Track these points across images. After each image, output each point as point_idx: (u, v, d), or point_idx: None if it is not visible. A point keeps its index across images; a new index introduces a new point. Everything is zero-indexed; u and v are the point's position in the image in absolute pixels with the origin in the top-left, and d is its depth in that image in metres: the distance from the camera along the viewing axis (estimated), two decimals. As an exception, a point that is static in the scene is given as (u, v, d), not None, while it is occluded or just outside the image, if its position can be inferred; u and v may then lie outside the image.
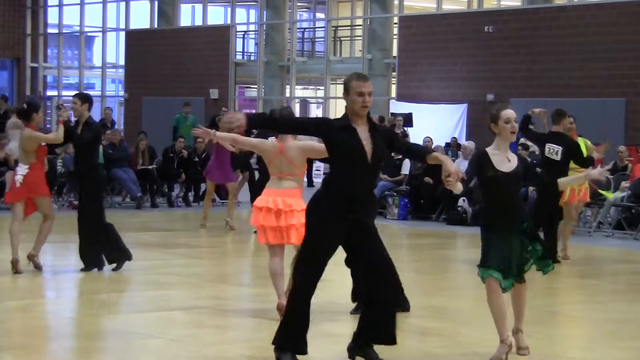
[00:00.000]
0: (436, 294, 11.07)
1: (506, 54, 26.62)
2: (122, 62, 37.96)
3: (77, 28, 38.89)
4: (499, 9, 30.93)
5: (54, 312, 9.55)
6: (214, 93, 33.21)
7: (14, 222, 11.33)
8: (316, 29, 38.67)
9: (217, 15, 39.27)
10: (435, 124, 26.25)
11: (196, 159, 20.68)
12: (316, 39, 38.32)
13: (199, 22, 37.22)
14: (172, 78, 34.18)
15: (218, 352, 7.83)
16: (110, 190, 19.73)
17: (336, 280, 9.77)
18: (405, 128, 24.85)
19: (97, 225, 11.42)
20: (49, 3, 39.09)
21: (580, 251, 14.46)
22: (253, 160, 19.49)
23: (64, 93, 38.29)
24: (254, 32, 37.71)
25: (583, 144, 14.17)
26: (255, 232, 10.57)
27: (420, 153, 7.38)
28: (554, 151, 13.03)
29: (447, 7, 31.35)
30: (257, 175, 17.15)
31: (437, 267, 13.52)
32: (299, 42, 36.86)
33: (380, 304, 7.08)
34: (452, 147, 24.22)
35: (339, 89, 37.56)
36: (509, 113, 7.28)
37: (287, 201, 8.84)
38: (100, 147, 19.32)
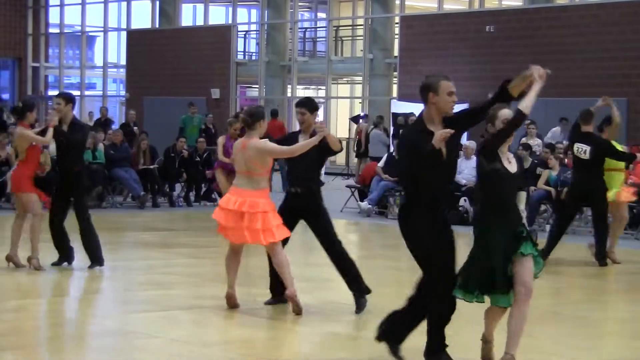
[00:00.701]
0: (437, 293, 11.04)
1: (507, 53, 26.61)
2: (123, 61, 37.98)
3: (79, 28, 38.91)
4: (500, 8, 30.91)
5: (54, 312, 9.55)
6: (215, 93, 33.21)
7: (16, 219, 11.56)
8: (317, 29, 38.69)
9: (218, 15, 39.28)
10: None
11: (197, 159, 20.68)
12: (317, 39, 38.33)
13: (200, 21, 37.24)
14: (173, 78, 34.19)
15: (219, 352, 7.83)
16: (112, 190, 19.73)
17: (336, 280, 9.76)
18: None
19: (86, 223, 11.46)
20: (51, 3, 39.12)
21: (581, 251, 14.44)
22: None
23: (65, 91, 38.28)
24: (255, 32, 37.73)
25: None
26: None
27: (482, 105, 7.11)
28: (582, 150, 13.21)
29: (449, 6, 31.35)
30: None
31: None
32: (300, 42, 36.86)
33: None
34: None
35: (340, 89, 37.57)
36: (506, 113, 7.03)
37: (248, 202, 8.95)
38: (102, 147, 19.52)
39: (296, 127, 24.74)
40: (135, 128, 25.78)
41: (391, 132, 26.17)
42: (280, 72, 33.89)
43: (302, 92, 37.57)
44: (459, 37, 27.79)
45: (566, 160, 18.15)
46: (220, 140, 15.54)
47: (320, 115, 35.68)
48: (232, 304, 9.24)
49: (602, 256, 13.30)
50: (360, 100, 33.40)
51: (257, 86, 34.73)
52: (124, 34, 37.58)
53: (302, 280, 10.57)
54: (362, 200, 19.58)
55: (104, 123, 25.66)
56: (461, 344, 7.61)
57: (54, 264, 11.63)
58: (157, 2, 36.28)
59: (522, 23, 26.76)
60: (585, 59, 25.11)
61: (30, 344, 8.03)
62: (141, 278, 11.58)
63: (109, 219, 17.42)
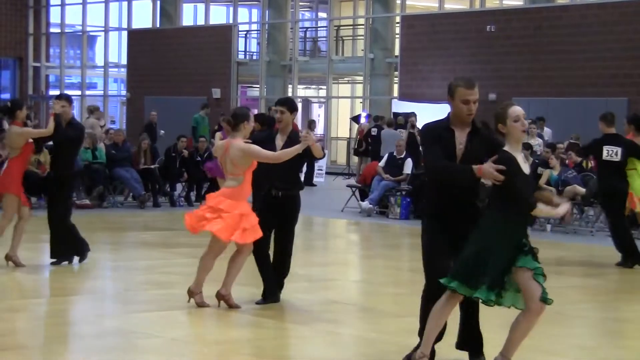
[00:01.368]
0: (438, 293, 11.03)
1: (508, 53, 26.62)
2: (124, 61, 37.99)
3: (80, 27, 38.94)
4: (501, 8, 30.91)
5: (54, 312, 9.54)
6: (216, 92, 33.21)
7: (20, 220, 11.44)
8: (318, 29, 38.68)
9: (219, 15, 39.28)
10: (438, 123, 26.22)
11: (198, 159, 20.67)
12: (318, 39, 38.32)
13: (201, 21, 37.24)
14: (174, 77, 34.20)
15: (219, 352, 7.82)
16: (113, 189, 19.73)
17: (337, 281, 9.78)
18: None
19: (63, 224, 11.49)
20: (52, 2, 39.14)
21: (582, 251, 14.43)
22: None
23: (66, 93, 38.31)
24: (256, 32, 37.74)
25: None
26: None
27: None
28: (613, 152, 13.14)
29: (450, 6, 31.35)
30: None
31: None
32: (301, 42, 36.86)
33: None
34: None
35: (341, 88, 37.57)
36: (517, 110, 6.68)
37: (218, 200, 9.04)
38: (103, 147, 19.51)
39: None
40: (162, 132, 25.69)
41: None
42: (281, 72, 33.89)
43: (303, 91, 37.59)
44: (460, 36, 27.79)
45: (567, 160, 18.16)
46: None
47: (321, 115, 35.76)
48: (202, 303, 9.31)
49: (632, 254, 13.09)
50: (361, 99, 33.42)
51: (258, 86, 34.73)
52: (124, 34, 37.59)
53: (303, 280, 10.58)
54: (362, 200, 19.57)
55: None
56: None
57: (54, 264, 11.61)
58: (158, 2, 36.29)
59: (523, 23, 26.76)
60: (586, 58, 25.11)
61: (31, 344, 8.02)
62: (142, 278, 11.57)
63: (110, 218, 17.42)
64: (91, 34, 40.27)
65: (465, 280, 6.66)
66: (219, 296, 9.23)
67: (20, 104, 11.89)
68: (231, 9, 35.85)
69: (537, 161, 17.97)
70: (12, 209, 11.43)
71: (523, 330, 6.88)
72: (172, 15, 35.85)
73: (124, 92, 38.07)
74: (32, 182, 15.44)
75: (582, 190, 17.02)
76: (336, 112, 35.00)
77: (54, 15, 39.44)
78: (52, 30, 39.53)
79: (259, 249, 9.33)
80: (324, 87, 34.20)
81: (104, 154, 19.33)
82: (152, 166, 20.09)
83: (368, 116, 28.33)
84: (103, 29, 38.07)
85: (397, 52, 30.57)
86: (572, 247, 13.99)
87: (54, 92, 39.39)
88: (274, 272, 9.52)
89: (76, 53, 42.07)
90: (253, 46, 38.99)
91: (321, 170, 27.31)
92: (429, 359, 6.85)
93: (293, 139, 9.24)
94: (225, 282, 9.25)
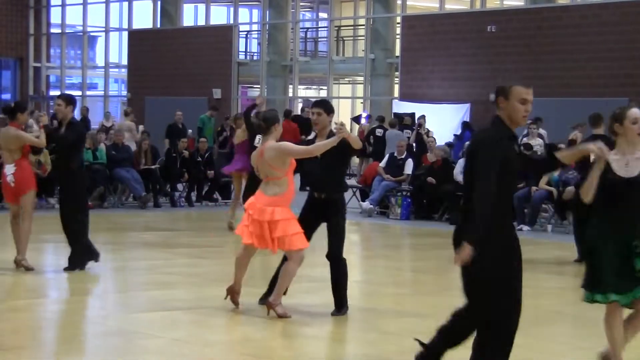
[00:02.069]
0: (439, 293, 11.05)
1: (509, 53, 26.61)
2: (124, 61, 38.00)
3: (80, 28, 38.96)
4: (501, 8, 30.92)
5: (55, 312, 9.55)
6: (217, 93, 33.22)
7: (24, 221, 11.29)
8: (319, 29, 38.69)
9: (219, 15, 39.31)
10: (438, 123, 26.24)
11: (199, 159, 20.69)
12: (319, 39, 38.33)
13: (201, 21, 37.26)
14: (174, 78, 34.20)
15: (221, 352, 7.83)
16: (113, 190, 19.74)
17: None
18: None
19: (79, 225, 11.38)
20: (52, 3, 39.15)
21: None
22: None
23: (67, 93, 38.34)
24: (256, 32, 37.75)
25: None
26: None
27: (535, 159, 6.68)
28: None
29: (450, 6, 31.36)
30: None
31: (440, 266, 13.48)
32: (302, 42, 36.87)
33: None
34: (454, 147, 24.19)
35: (341, 89, 37.59)
36: (636, 112, 6.69)
37: (269, 210, 8.84)
38: (103, 147, 19.53)
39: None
40: (190, 131, 25.68)
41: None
42: (281, 72, 33.90)
43: (303, 92, 37.61)
44: (461, 37, 27.80)
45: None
46: (241, 130, 15.79)
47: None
48: (234, 299, 9.23)
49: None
50: (361, 100, 33.42)
51: (259, 86, 34.74)
52: (125, 34, 37.60)
53: (307, 281, 10.58)
54: (363, 200, 19.58)
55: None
56: (465, 344, 7.60)
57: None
58: (159, 2, 36.29)
59: (523, 23, 26.76)
60: (587, 59, 25.11)
61: (31, 344, 8.03)
62: (143, 278, 11.58)
63: (111, 219, 17.43)
64: (92, 34, 40.29)
65: (618, 289, 6.92)
66: (268, 304, 8.98)
67: (23, 107, 11.77)
68: (232, 9, 35.86)
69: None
70: (32, 205, 11.35)
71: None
72: (173, 15, 35.86)
73: (124, 93, 38.08)
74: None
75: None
76: (337, 112, 34.94)
77: (55, 16, 39.46)
78: (52, 30, 39.54)
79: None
80: (325, 87, 34.21)
81: (104, 155, 19.34)
82: (153, 166, 20.11)
83: (368, 117, 28.33)
84: (104, 29, 38.08)
85: (397, 52, 30.57)
86: (572, 247, 13.97)
87: (54, 93, 39.42)
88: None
89: (77, 53, 42.09)
90: (254, 46, 39.01)
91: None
92: None
93: None
94: (277, 290, 8.97)
